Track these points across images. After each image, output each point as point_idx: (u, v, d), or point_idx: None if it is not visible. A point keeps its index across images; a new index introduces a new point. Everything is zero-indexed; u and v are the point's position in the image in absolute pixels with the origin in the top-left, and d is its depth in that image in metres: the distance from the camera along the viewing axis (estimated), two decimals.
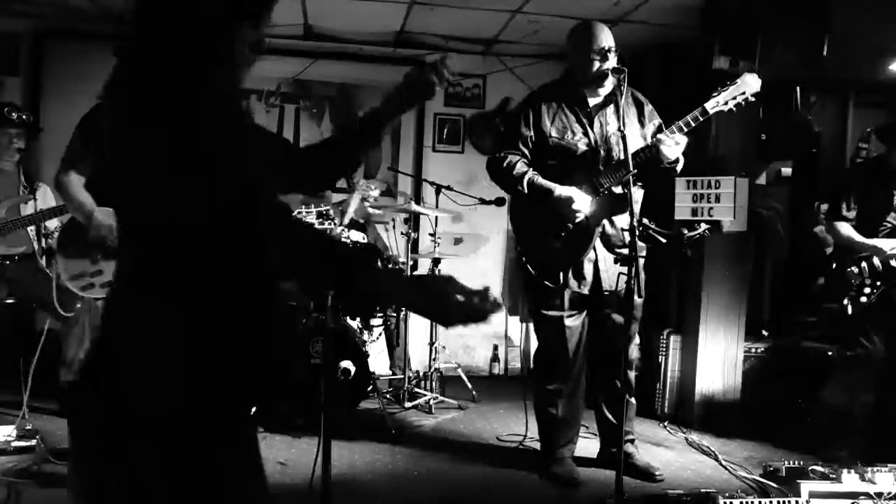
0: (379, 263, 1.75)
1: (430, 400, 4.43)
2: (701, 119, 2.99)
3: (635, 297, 2.64)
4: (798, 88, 4.61)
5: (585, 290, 3.20)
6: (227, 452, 1.30)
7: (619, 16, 4.65)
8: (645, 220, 3.12)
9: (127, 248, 1.35)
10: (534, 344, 3.47)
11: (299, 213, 3.30)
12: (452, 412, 4.41)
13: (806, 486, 2.83)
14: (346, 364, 3.60)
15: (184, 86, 1.23)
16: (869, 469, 2.90)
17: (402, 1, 4.64)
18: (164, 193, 1.23)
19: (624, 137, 2.71)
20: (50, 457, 3.10)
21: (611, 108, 3.15)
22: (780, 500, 2.76)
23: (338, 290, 1.56)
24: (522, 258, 3.22)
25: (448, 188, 4.62)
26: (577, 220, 3.07)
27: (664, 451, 3.78)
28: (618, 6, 4.47)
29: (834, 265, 3.66)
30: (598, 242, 3.18)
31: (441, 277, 1.28)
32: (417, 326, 4.98)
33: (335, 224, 3.33)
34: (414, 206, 4.50)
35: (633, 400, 3.40)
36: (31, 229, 3.80)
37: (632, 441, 3.42)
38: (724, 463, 3.55)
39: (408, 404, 4.35)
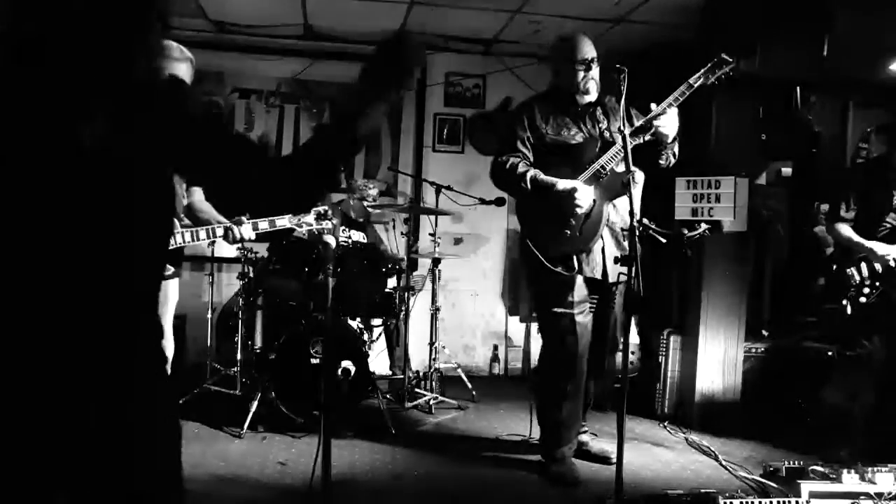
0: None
1: (430, 400, 4.43)
2: (686, 93, 3.02)
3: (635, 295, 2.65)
4: (798, 88, 4.61)
5: (598, 275, 3.24)
6: None
7: (619, 16, 4.65)
8: (645, 220, 3.13)
9: None
10: (534, 344, 3.47)
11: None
12: (452, 412, 4.41)
13: (806, 486, 2.83)
14: (346, 364, 3.60)
15: None
16: (869, 469, 2.89)
17: (402, 1, 4.64)
18: None
19: (624, 137, 2.73)
20: None
21: (599, 110, 3.28)
22: (780, 500, 2.76)
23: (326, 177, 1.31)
24: (532, 249, 3.22)
25: (448, 188, 4.62)
26: (580, 212, 3.09)
27: (664, 451, 3.78)
28: (618, 6, 4.48)
29: (833, 266, 3.66)
30: (605, 231, 3.22)
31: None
32: (417, 326, 4.99)
33: (334, 225, 3.32)
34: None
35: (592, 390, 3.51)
36: None
37: (585, 431, 3.57)
38: (724, 463, 3.55)
39: (408, 404, 4.35)
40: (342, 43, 5.40)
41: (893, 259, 3.40)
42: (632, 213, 2.67)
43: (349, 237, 4.20)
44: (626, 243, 3.17)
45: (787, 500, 2.75)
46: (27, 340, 1.07)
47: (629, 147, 2.74)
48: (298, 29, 5.24)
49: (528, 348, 5.70)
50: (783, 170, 5.31)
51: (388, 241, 5.24)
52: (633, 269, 2.55)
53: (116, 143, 1.12)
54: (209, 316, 4.48)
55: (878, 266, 3.46)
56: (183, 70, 2.49)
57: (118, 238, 1.14)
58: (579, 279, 3.21)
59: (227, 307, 4.76)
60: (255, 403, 3.72)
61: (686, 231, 4.03)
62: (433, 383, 4.63)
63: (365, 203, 4.81)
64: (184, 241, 2.96)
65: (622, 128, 2.77)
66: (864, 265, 3.50)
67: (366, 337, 4.37)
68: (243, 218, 3.13)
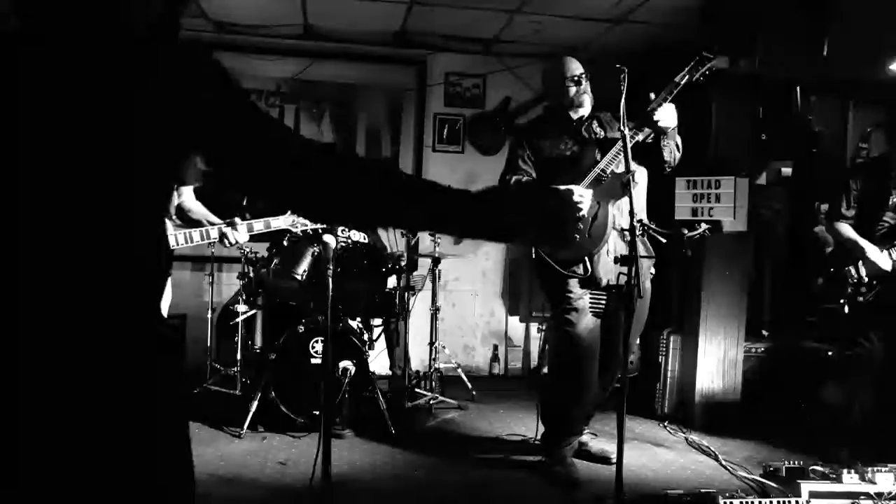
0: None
1: (430, 400, 4.43)
2: (674, 91, 3.04)
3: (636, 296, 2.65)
4: (798, 88, 4.61)
5: (610, 277, 3.24)
6: None
7: (619, 16, 4.65)
8: (645, 220, 3.14)
9: None
10: (534, 344, 3.47)
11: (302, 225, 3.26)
12: (452, 412, 4.41)
13: (806, 486, 2.83)
14: (346, 364, 3.60)
15: None
16: (869, 469, 2.90)
17: (402, 1, 4.64)
18: None
19: (624, 137, 2.75)
20: None
21: (595, 123, 3.35)
22: (780, 500, 2.76)
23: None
24: (544, 257, 3.25)
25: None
26: (581, 211, 3.11)
27: (664, 451, 3.78)
28: (618, 6, 4.48)
29: (832, 265, 3.66)
30: (613, 234, 3.24)
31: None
32: (417, 326, 4.99)
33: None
34: None
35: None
36: None
37: (585, 431, 3.57)
38: (724, 463, 3.55)
39: (408, 404, 4.35)
40: (342, 43, 5.40)
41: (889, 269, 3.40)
42: (632, 213, 2.68)
43: (349, 237, 4.20)
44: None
45: (787, 500, 2.76)
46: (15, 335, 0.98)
47: (629, 147, 2.75)
48: (298, 29, 5.24)
49: (528, 348, 5.70)
50: (783, 170, 5.30)
51: (388, 240, 5.24)
52: (633, 269, 2.55)
53: (111, 118, 0.99)
54: (209, 316, 4.48)
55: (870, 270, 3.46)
56: None
57: (111, 225, 1.03)
58: (588, 281, 3.22)
59: (227, 307, 4.76)
60: (255, 403, 3.71)
61: (686, 231, 4.03)
62: (433, 383, 4.63)
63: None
64: (177, 244, 2.93)
65: (622, 127, 2.78)
66: (861, 264, 3.50)
67: (366, 337, 4.37)
68: (237, 219, 3.12)
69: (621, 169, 3.04)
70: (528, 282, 5.51)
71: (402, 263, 4.50)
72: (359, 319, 4.21)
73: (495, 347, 5.72)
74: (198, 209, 3.16)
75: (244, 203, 3.61)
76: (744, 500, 2.74)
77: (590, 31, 4.92)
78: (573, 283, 3.23)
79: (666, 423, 4.23)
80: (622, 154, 2.81)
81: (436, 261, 4.55)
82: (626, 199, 3.04)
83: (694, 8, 4.34)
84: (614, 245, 3.24)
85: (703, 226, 4.00)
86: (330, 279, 2.57)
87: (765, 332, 4.58)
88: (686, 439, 3.97)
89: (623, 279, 3.18)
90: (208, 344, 4.50)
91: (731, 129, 4.30)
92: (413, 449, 3.64)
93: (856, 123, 5.10)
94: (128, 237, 1.05)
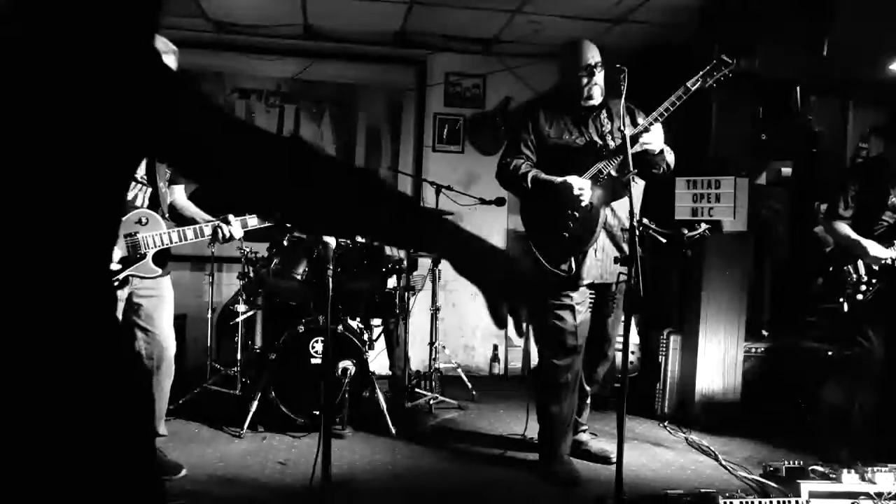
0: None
1: (430, 400, 4.43)
2: (684, 97, 3.00)
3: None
4: (798, 88, 4.60)
5: (594, 277, 3.25)
6: None
7: (619, 16, 4.65)
8: (645, 220, 3.13)
9: None
10: (533, 344, 3.47)
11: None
12: (452, 412, 4.41)
13: (806, 486, 2.83)
14: (346, 364, 3.60)
15: None
16: (869, 469, 2.90)
17: (402, 1, 4.64)
18: None
19: (624, 137, 2.75)
20: None
21: (604, 113, 3.29)
22: (780, 500, 2.76)
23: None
24: (533, 250, 3.25)
25: (448, 188, 4.62)
26: (582, 202, 3.10)
27: (664, 451, 3.77)
28: (618, 6, 4.48)
29: (832, 265, 3.66)
30: (602, 234, 3.22)
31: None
32: (417, 326, 4.99)
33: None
34: None
35: (590, 390, 3.55)
36: None
37: (584, 430, 3.59)
38: (724, 463, 3.55)
39: (408, 404, 4.35)
40: (342, 43, 5.40)
41: (890, 259, 3.40)
42: (632, 213, 2.67)
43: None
44: (626, 245, 3.17)
45: (787, 500, 2.76)
46: None
47: (629, 148, 2.75)
48: (298, 29, 5.25)
49: (527, 348, 5.70)
50: (783, 170, 5.31)
51: None
52: (633, 269, 2.55)
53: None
54: (209, 316, 4.48)
55: (874, 264, 3.46)
56: (169, 62, 2.48)
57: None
58: (577, 279, 3.22)
59: (227, 307, 4.76)
60: (255, 403, 3.71)
61: (686, 231, 4.03)
62: (433, 383, 4.63)
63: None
64: (171, 242, 2.94)
65: (622, 127, 2.78)
66: (861, 263, 3.50)
67: (366, 337, 4.37)
68: (230, 216, 3.11)
69: (618, 175, 3.05)
70: None
71: (403, 263, 4.50)
72: (359, 319, 4.21)
73: (495, 347, 5.72)
74: (190, 208, 3.16)
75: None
76: (744, 500, 2.74)
77: (589, 31, 4.90)
78: (560, 282, 3.22)
79: (666, 423, 4.23)
80: (622, 155, 2.80)
81: (436, 261, 4.55)
82: (623, 200, 3.04)
83: (694, 8, 4.34)
84: (603, 246, 3.23)
85: (703, 226, 4.01)
86: (330, 279, 2.57)
87: (765, 332, 4.58)
88: (686, 439, 3.97)
89: (623, 279, 3.22)
90: (208, 344, 4.50)
91: (731, 129, 4.30)
92: (413, 449, 3.64)
93: (856, 123, 5.10)
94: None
